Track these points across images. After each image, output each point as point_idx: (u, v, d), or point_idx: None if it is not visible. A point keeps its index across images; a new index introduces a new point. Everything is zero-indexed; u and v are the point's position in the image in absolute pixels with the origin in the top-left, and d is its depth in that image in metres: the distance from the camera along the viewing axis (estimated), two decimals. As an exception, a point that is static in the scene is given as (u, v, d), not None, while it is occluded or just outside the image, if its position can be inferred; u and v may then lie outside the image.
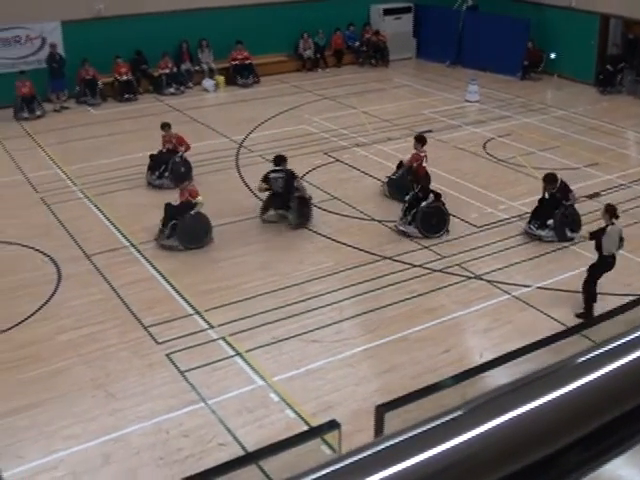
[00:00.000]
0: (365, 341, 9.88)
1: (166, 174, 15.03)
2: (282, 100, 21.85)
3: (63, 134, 19.38)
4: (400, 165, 14.51)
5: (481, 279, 11.38)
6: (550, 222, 12.54)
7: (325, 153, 17.07)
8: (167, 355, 9.57)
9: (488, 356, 9.19)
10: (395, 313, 10.50)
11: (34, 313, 10.69)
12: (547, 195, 12.67)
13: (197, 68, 23.92)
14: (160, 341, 9.89)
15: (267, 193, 13.38)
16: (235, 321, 10.29)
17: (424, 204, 12.74)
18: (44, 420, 8.46)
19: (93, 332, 10.15)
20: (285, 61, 25.57)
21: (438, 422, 1.32)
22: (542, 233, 12.60)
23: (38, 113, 20.78)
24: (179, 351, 9.65)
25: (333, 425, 3.67)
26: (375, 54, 26.19)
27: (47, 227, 13.59)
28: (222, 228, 13.08)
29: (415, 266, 11.80)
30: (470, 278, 11.42)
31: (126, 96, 22.31)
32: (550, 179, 12.56)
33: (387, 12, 26.82)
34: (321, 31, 25.69)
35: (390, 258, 12.04)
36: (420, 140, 13.98)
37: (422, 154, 13.77)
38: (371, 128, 18.98)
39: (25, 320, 10.52)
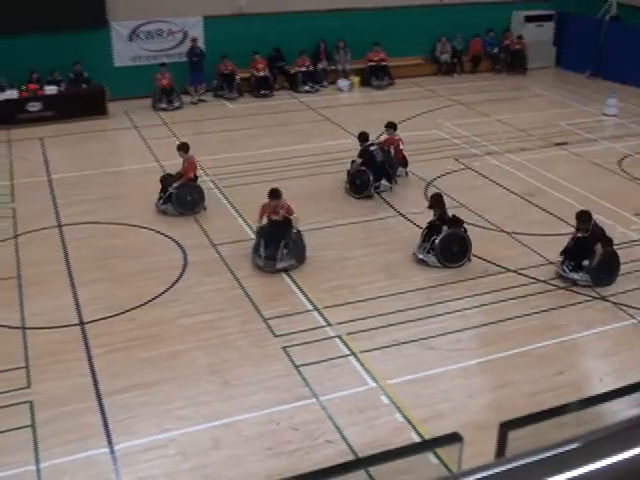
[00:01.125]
0: (483, 353, 9.68)
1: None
2: (415, 103, 21.75)
3: (198, 126, 20.00)
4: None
5: (607, 301, 10.94)
6: (586, 263, 11.28)
7: (456, 159, 16.86)
8: (283, 348, 9.70)
9: (608, 382, 8.84)
10: (516, 328, 10.24)
11: (159, 295, 11.09)
12: (581, 236, 11.44)
13: (333, 67, 24.14)
14: (278, 334, 10.04)
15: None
16: (353, 321, 10.31)
17: (443, 233, 11.92)
18: (160, 399, 8.75)
19: (214, 319, 10.42)
20: (421, 64, 25.43)
21: (566, 448, 1.26)
22: (576, 277, 11.33)
23: (176, 104, 21.53)
24: (295, 345, 9.77)
25: (455, 438, 3.56)
26: (513, 61, 25.67)
27: (178, 214, 14.03)
28: (348, 227, 13.16)
29: (540, 281, 11.48)
30: (596, 299, 11.00)
31: (262, 92, 22.78)
32: (580, 218, 11.30)
33: (529, 19, 26.22)
34: (459, 35, 25.39)
35: (515, 271, 11.76)
36: (391, 126, 15.62)
37: (396, 137, 15.38)
38: (504, 137, 18.60)
39: (150, 301, 10.93)
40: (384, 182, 14.84)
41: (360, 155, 14.18)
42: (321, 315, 10.49)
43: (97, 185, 15.50)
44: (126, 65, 22.36)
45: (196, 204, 14.01)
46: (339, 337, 9.96)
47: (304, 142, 18.05)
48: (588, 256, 11.22)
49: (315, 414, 8.47)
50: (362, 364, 9.37)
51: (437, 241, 11.90)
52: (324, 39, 23.83)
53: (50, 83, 20.79)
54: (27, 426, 8.38)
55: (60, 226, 13.61)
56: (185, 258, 12.25)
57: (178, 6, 22.22)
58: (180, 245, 12.69)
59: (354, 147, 17.45)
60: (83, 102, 20.51)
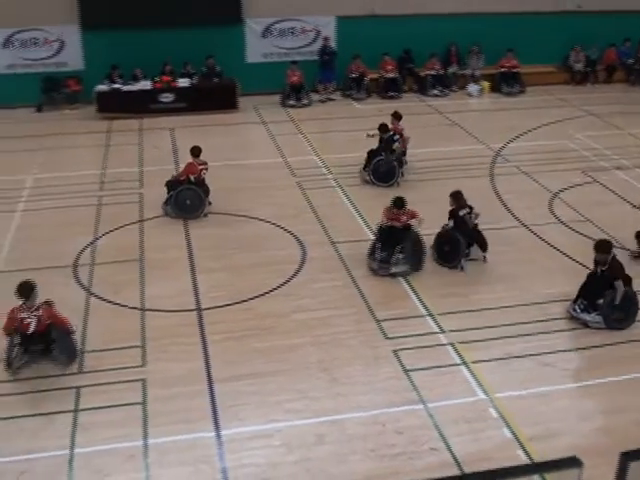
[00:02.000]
0: (597, 375, 9.29)
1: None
2: (545, 112, 21.17)
3: (325, 124, 20.17)
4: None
5: None
6: (600, 302, 10.22)
7: (583, 172, 16.30)
8: (394, 351, 9.63)
9: None
10: (634, 352, 9.79)
11: (276, 288, 11.24)
12: (598, 271, 10.33)
13: (463, 72, 23.83)
14: (390, 336, 9.98)
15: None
16: (467, 330, 10.13)
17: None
18: (269, 390, 8.86)
19: (327, 316, 10.47)
20: (553, 72, 24.72)
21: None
22: (587, 318, 10.26)
23: (304, 102, 21.79)
24: (406, 349, 9.68)
25: (574, 462, 3.41)
26: (651, 74, 24.61)
27: (299, 210, 14.23)
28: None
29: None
30: None
31: (390, 93, 22.73)
32: (599, 249, 10.20)
33: (671, 30, 25.08)
34: (595, 45, 24.53)
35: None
36: (397, 116, 16.13)
37: (400, 127, 15.89)
38: (636, 151, 17.84)
39: (267, 293, 11.10)
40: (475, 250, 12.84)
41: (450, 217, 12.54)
42: (435, 321, 10.36)
43: (222, 177, 15.86)
44: (258, 61, 22.81)
45: (195, 209, 13.83)
46: (452, 345, 9.81)
47: (430, 146, 17.88)
48: (603, 295, 10.13)
49: (421, 420, 8.37)
50: (473, 374, 9.18)
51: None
52: (455, 42, 23.55)
53: (183, 76, 21.48)
54: (138, 403, 8.70)
55: (185, 214, 14.01)
56: (304, 253, 12.37)
57: (312, 5, 22.50)
58: (300, 240, 12.83)
59: (479, 154, 17.20)
60: (214, 95, 21.06)
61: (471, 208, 12.17)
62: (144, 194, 15.05)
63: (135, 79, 21.34)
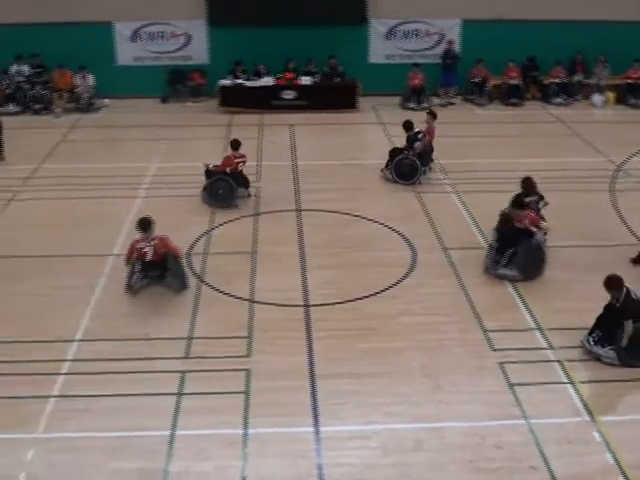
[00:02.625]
0: None
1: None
2: (675, 127, 20.28)
3: (445, 128, 19.83)
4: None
5: None
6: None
7: None
8: (500, 363, 9.44)
9: None
10: None
11: (385, 290, 11.23)
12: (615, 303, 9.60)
13: (588, 81, 23.11)
14: (496, 348, 9.79)
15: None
16: (577, 348, 9.82)
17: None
18: (370, 391, 8.86)
19: (434, 322, 10.37)
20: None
21: None
22: (600, 352, 9.56)
23: (424, 105, 21.62)
24: (512, 363, 9.46)
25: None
26: None
27: (412, 213, 14.17)
28: (582, 250, 12.57)
29: None
30: None
31: (512, 100, 22.32)
32: (607, 285, 9.57)
33: None
34: None
35: None
36: (433, 115, 16.75)
37: (433, 126, 16.31)
38: None
39: (375, 294, 11.10)
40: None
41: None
42: (544, 336, 10.10)
43: (337, 175, 15.98)
44: (380, 62, 22.82)
45: (226, 199, 14.31)
46: (559, 362, 9.53)
47: (551, 155, 17.44)
48: (617, 329, 9.47)
49: (522, 436, 8.18)
50: (579, 394, 8.89)
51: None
52: (581, 51, 22.86)
53: (305, 74, 21.74)
54: (241, 392, 8.87)
55: (298, 210, 14.19)
56: (414, 257, 12.30)
57: (438, 8, 22.31)
58: (410, 243, 12.77)
59: (598, 167, 16.65)
60: (335, 95, 21.22)
61: (541, 197, 12.20)
62: (260, 188, 15.33)
63: (258, 75, 21.75)
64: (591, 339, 9.68)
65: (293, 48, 21.72)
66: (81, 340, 9.99)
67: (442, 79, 22.51)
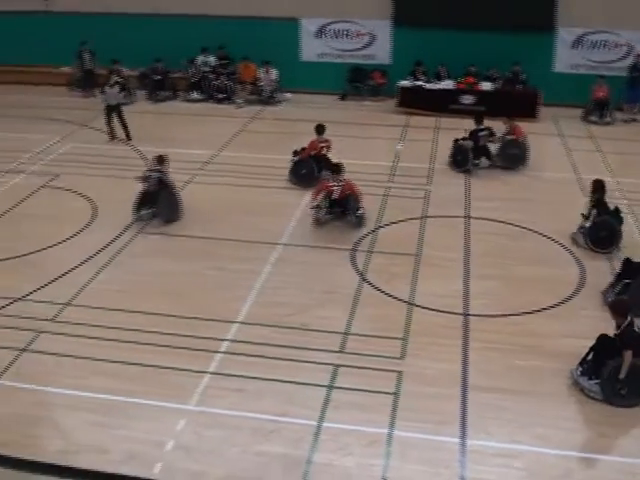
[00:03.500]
0: None
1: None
2: None
3: (626, 145, 18.96)
4: None
5: None
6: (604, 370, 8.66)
7: None
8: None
9: None
10: None
11: (549, 308, 10.81)
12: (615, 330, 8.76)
13: None
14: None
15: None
16: None
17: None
18: (521, 410, 8.57)
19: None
20: None
21: None
22: (585, 384, 8.82)
23: (607, 119, 20.65)
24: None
25: None
26: None
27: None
28: None
29: None
30: None
31: None
32: (612, 309, 8.94)
33: None
34: None
35: None
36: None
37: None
38: None
39: (538, 311, 10.71)
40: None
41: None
42: None
43: (512, 185, 15.60)
44: (564, 72, 21.98)
45: (308, 179, 15.09)
46: None
47: None
48: (609, 360, 8.68)
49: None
50: None
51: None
52: None
53: (486, 79, 21.33)
54: (391, 393, 8.85)
55: (467, 217, 13.96)
56: (582, 276, 11.77)
57: (629, 18, 21.19)
58: (581, 264, 12.20)
59: None
60: (515, 103, 20.61)
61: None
62: (431, 191, 15.21)
63: (438, 78, 21.58)
64: (579, 369, 9.04)
65: (475, 52, 21.36)
66: (242, 322, 10.32)
67: (627, 94, 21.36)
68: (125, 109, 19.27)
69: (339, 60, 22.94)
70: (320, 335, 10.03)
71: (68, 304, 10.86)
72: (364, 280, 11.55)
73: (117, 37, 22.37)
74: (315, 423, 8.31)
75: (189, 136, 18.20)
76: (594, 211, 12.64)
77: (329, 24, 22.73)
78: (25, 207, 14.47)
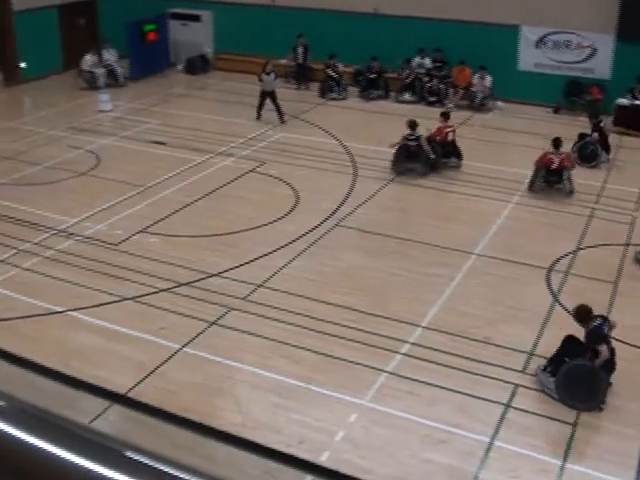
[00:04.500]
0: None
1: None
2: None
3: None
4: None
5: None
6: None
7: None
8: None
9: None
10: None
11: None
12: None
13: None
14: None
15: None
16: None
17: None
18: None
19: None
20: None
21: None
22: (543, 379, 8.96)
23: None
24: None
25: None
26: None
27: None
28: None
29: None
30: None
31: None
32: (575, 317, 9.03)
33: None
34: None
35: None
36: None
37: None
38: None
39: None
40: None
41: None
42: None
43: None
44: None
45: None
46: None
47: None
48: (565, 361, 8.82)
49: None
50: None
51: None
52: None
53: None
54: (569, 423, 8.53)
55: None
56: None
57: None
58: None
59: None
60: None
61: None
62: (637, 217, 14.38)
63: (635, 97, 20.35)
64: (544, 365, 9.12)
65: None
66: (425, 327, 10.31)
67: None
68: (336, 104, 19.76)
69: (556, 72, 22.20)
70: (503, 351, 9.81)
71: (261, 285, 11.33)
72: (557, 301, 11.14)
73: (335, 33, 22.93)
74: (487, 440, 8.16)
75: (396, 137, 18.33)
76: None
77: (550, 34, 22.03)
78: (231, 189, 15.22)
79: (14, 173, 16.05)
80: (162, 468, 0.79)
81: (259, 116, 19.73)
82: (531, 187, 15.30)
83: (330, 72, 22.05)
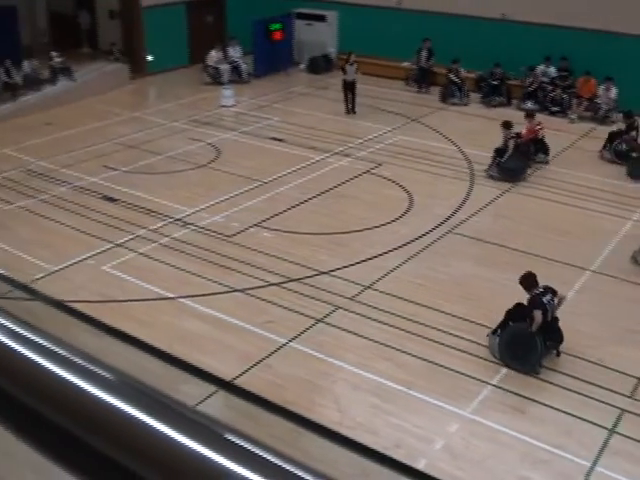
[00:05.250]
0: None
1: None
2: None
3: None
4: None
5: None
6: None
7: None
8: None
9: None
10: None
11: None
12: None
13: None
14: None
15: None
16: None
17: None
18: None
19: None
20: None
21: None
22: (491, 342, 9.74)
23: None
24: None
25: None
26: None
27: None
28: None
29: None
30: None
31: None
32: (522, 284, 9.73)
33: None
34: None
35: None
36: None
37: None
38: None
39: None
40: None
41: None
42: None
43: None
44: None
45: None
46: None
47: None
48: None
49: None
50: None
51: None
52: None
53: None
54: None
55: None
56: None
57: None
58: None
59: None
60: None
61: None
62: None
63: None
64: (493, 330, 9.78)
65: None
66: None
67: None
68: (457, 110, 19.53)
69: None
70: (612, 374, 9.44)
71: (369, 287, 11.33)
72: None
73: (459, 37, 22.66)
74: (588, 465, 7.87)
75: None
76: None
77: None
78: (346, 188, 15.29)
79: (137, 161, 16.66)
80: (262, 454, 0.79)
81: (348, 110, 20.37)
82: None
83: (452, 77, 21.82)
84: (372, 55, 24.20)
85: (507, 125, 16.12)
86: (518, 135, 16.41)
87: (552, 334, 9.56)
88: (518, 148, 16.12)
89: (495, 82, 22.03)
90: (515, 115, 20.66)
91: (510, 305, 9.79)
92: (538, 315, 9.29)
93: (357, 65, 20.45)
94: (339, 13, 25.42)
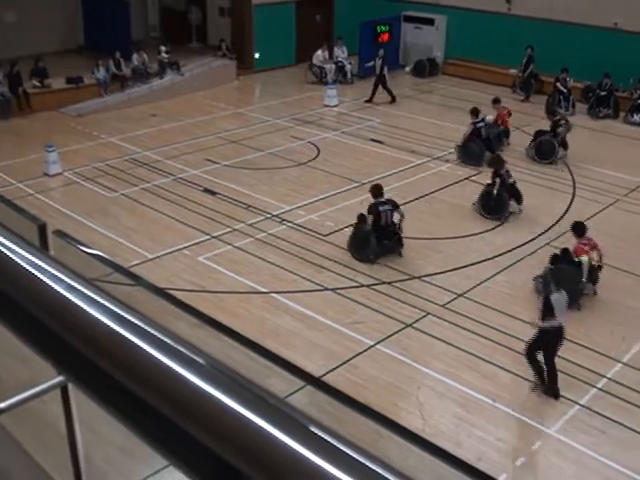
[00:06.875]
0: None
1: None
2: None
3: None
4: None
5: None
6: None
7: None
8: None
9: None
10: None
11: None
12: None
13: None
14: None
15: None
16: None
17: None
18: None
19: None
20: None
21: None
22: None
23: None
24: None
25: None
26: None
27: None
28: None
29: None
30: None
31: None
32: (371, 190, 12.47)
33: None
34: None
35: None
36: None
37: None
38: None
39: None
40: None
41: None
42: None
43: None
44: None
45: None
46: None
47: None
48: None
49: None
50: None
51: None
52: None
53: None
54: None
55: None
56: None
57: None
58: None
59: None
60: None
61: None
62: None
63: None
64: None
65: None
66: (625, 364, 9.74)
67: None
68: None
69: None
70: None
71: (461, 295, 11.23)
72: None
73: (568, 46, 22.13)
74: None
75: (621, 159, 17.42)
76: None
77: None
78: (444, 194, 15.17)
79: (238, 156, 16.97)
80: (343, 448, 0.82)
81: (393, 99, 21.82)
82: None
83: (559, 86, 21.32)
84: (479, 60, 23.94)
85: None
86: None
87: (388, 237, 12.20)
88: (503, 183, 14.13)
89: (603, 93, 21.40)
90: (621, 128, 20.09)
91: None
92: (369, 219, 12.07)
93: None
94: (448, 17, 25.21)
